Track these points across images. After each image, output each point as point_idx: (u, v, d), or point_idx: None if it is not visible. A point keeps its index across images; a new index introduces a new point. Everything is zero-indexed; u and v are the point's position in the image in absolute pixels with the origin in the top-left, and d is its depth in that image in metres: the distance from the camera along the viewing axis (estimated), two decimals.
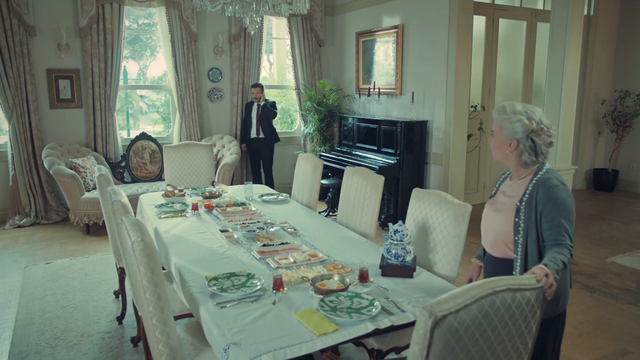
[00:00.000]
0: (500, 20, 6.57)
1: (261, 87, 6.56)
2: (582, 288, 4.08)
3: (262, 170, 6.90)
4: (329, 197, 6.25)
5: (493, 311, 1.35)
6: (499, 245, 2.08)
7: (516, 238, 1.99)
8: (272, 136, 6.70)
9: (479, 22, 6.25)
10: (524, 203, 1.97)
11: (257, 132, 6.63)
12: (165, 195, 3.94)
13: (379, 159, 5.87)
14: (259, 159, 6.81)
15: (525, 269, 1.98)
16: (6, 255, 4.88)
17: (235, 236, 2.89)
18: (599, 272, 4.43)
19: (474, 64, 5.93)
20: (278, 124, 8.42)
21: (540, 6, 7.03)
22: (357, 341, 2.06)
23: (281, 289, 2.11)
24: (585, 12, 6.10)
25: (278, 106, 6.81)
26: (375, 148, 6.11)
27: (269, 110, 6.55)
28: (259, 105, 6.57)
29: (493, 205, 2.15)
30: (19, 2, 5.56)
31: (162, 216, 3.38)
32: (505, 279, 1.40)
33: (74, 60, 6.07)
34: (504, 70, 6.84)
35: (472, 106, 6.23)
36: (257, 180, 6.76)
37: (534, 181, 1.99)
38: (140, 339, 3.06)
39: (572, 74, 4.28)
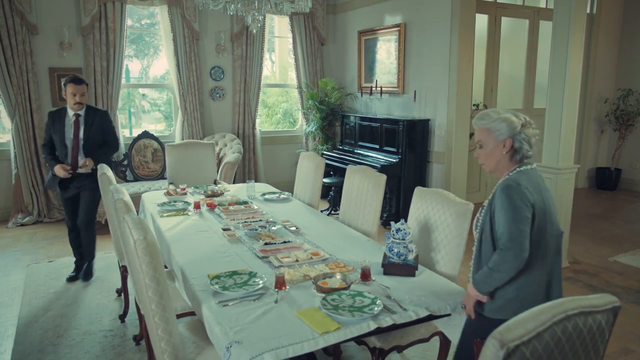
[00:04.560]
0: (503, 18, 6.55)
1: (86, 84, 3.95)
2: (584, 287, 4.07)
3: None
4: (331, 195, 6.25)
5: (565, 338, 1.19)
6: None
7: (476, 237, 2.01)
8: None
9: (481, 21, 6.23)
10: (487, 201, 1.97)
11: (75, 162, 3.91)
12: (168, 193, 3.95)
13: (381, 158, 5.87)
14: (75, 206, 4.03)
15: (477, 268, 1.99)
16: (9, 254, 4.89)
17: (238, 235, 2.89)
18: (601, 271, 4.42)
19: (476, 62, 5.91)
20: (280, 123, 8.41)
21: (542, 4, 7.02)
22: (359, 340, 2.05)
23: (283, 288, 2.11)
24: (588, 11, 6.08)
25: (278, 107, 6.48)
26: (377, 147, 6.11)
27: (100, 126, 3.98)
28: (77, 115, 3.92)
29: None
30: (21, 0, 5.57)
31: (165, 215, 3.38)
32: (575, 300, 1.23)
33: (76, 58, 6.07)
34: (506, 69, 6.83)
35: (474, 105, 6.22)
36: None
37: (501, 179, 1.95)
38: (142, 337, 3.07)
39: (575, 73, 4.25)
